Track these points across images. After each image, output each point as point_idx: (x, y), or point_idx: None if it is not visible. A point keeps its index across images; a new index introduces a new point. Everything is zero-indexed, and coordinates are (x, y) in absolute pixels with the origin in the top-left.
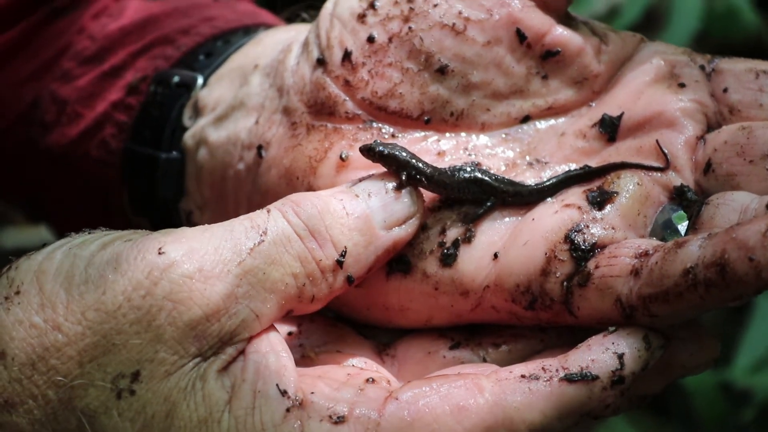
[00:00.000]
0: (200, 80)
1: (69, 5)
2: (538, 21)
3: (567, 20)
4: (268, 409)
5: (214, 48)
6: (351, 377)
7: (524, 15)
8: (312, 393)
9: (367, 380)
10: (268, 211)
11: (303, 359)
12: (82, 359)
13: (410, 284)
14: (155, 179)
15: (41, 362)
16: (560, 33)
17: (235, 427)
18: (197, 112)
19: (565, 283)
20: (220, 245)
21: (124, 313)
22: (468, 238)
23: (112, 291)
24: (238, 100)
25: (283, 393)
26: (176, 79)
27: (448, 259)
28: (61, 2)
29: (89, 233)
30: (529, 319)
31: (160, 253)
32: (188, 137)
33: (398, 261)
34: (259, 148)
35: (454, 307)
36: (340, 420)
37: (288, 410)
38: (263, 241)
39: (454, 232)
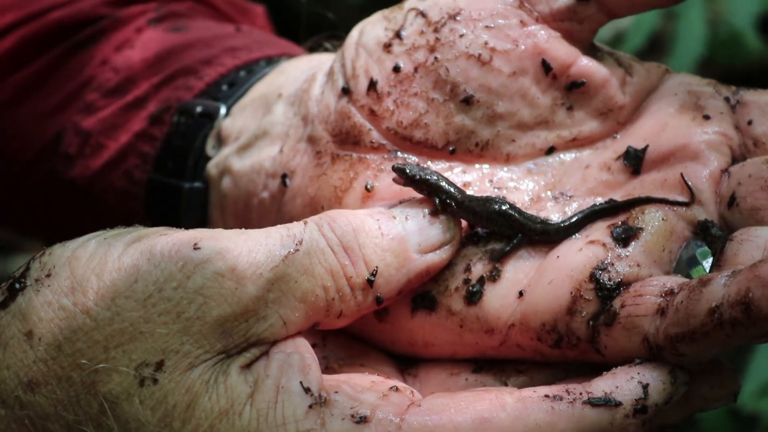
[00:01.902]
0: (223, 110)
1: (91, 38)
2: (563, 52)
3: (592, 51)
4: (290, 404)
5: (237, 78)
6: (375, 384)
7: (550, 46)
8: (336, 392)
9: (391, 388)
10: (305, 223)
11: (327, 370)
12: (108, 344)
13: (435, 321)
14: (179, 209)
15: (67, 344)
16: (585, 64)
17: (257, 420)
18: (220, 142)
19: (591, 322)
20: (254, 248)
21: (154, 302)
22: (494, 276)
23: (144, 280)
24: (261, 129)
25: (306, 390)
26: (199, 109)
27: (473, 296)
28: (82, 35)
29: (125, 228)
30: (555, 357)
31: (195, 249)
32: (212, 166)
33: (423, 298)
34: (284, 176)
35: (479, 344)
36: (362, 420)
37: (310, 407)
38: (298, 250)
39: (479, 269)
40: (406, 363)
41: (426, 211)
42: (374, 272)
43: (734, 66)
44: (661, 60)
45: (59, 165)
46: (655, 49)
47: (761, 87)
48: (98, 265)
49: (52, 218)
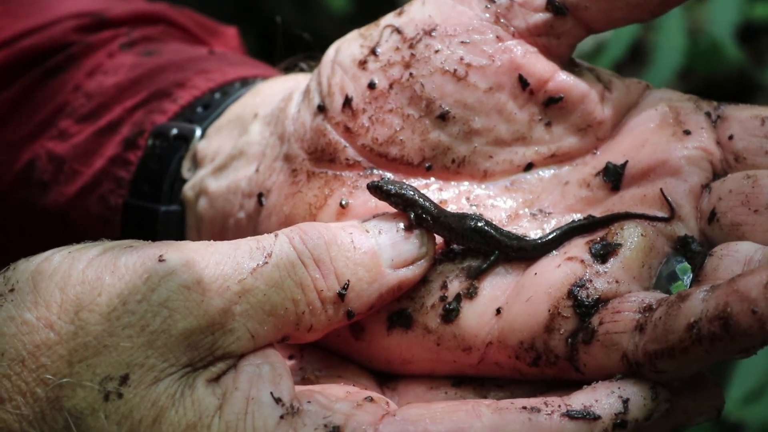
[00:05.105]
0: (198, 132)
1: (62, 64)
2: (540, 67)
3: (571, 66)
4: (261, 414)
5: (212, 100)
6: (350, 394)
7: (526, 61)
8: (308, 402)
9: (366, 398)
10: (276, 236)
11: (304, 381)
12: (72, 359)
13: (412, 339)
14: (155, 233)
15: (31, 359)
16: (563, 79)
17: None
18: (196, 164)
19: (569, 340)
20: (222, 260)
21: (118, 315)
22: (470, 294)
23: (108, 293)
24: (237, 149)
25: (278, 400)
26: (174, 131)
27: (450, 314)
28: (54, 62)
29: (90, 242)
30: (534, 375)
31: (160, 261)
32: (188, 189)
33: (399, 315)
34: (260, 195)
35: (456, 362)
36: (335, 430)
37: (282, 417)
38: (267, 263)
39: (455, 286)
40: (386, 377)
41: (400, 225)
42: (345, 286)
43: (714, 76)
44: (641, 70)
45: (33, 192)
46: (636, 59)
47: (741, 96)
48: (62, 279)
49: (27, 247)
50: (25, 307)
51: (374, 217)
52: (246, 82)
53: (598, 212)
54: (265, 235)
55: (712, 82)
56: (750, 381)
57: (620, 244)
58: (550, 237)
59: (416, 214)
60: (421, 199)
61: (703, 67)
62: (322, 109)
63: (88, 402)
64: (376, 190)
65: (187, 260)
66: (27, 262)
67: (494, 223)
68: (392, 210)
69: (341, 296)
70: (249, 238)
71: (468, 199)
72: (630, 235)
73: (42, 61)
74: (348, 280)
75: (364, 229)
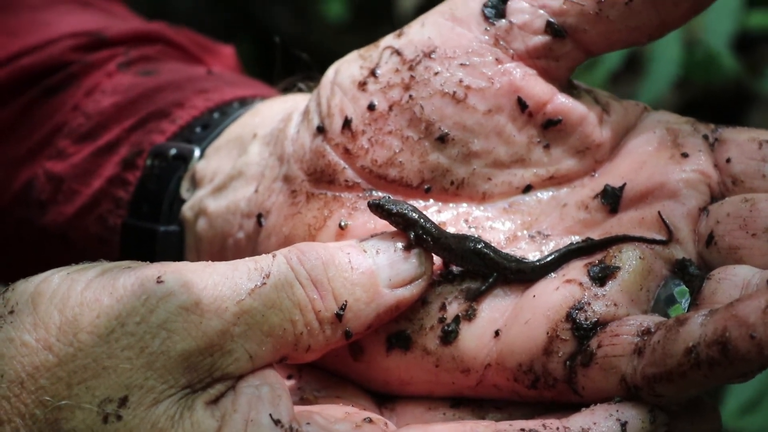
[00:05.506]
0: (197, 152)
1: (61, 84)
2: (539, 90)
3: (569, 89)
4: None
5: (210, 120)
6: (349, 415)
7: (525, 83)
8: (308, 424)
9: (365, 419)
10: (274, 256)
11: (302, 401)
12: (71, 381)
13: (410, 360)
14: (154, 253)
15: (30, 381)
16: (562, 102)
17: None
18: (195, 184)
19: (568, 363)
20: (220, 281)
21: (117, 337)
22: (469, 315)
23: (107, 315)
24: (236, 169)
25: (277, 422)
26: (173, 151)
27: (448, 336)
28: (52, 81)
29: (89, 263)
30: (532, 398)
31: (158, 282)
32: (187, 209)
33: (398, 336)
34: (259, 216)
35: (455, 384)
36: None
37: None
38: (265, 284)
39: (454, 308)
40: (384, 397)
41: (398, 245)
42: (343, 306)
43: (711, 86)
44: (637, 81)
45: (32, 213)
46: (631, 70)
47: (738, 106)
48: (61, 301)
49: (27, 267)
50: (24, 328)
51: (372, 236)
52: (244, 102)
53: (596, 235)
54: (263, 255)
55: (708, 92)
56: (747, 391)
57: (618, 267)
58: (548, 259)
59: (417, 234)
60: (422, 220)
61: (699, 77)
62: (321, 130)
63: (87, 424)
64: (377, 208)
65: (185, 281)
66: (26, 283)
67: (493, 245)
68: (391, 229)
69: (339, 317)
70: (247, 258)
71: (467, 221)
72: (628, 258)
73: (41, 80)
74: (345, 301)
75: (362, 249)
